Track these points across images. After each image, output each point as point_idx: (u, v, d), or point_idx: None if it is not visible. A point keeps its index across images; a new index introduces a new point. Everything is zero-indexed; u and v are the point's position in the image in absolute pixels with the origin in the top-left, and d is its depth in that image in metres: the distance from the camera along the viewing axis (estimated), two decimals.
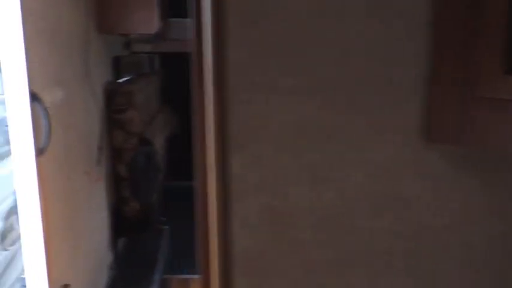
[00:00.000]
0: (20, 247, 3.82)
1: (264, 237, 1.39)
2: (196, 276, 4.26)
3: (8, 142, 3.78)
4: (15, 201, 3.78)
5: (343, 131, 1.36)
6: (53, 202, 2.58)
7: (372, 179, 1.37)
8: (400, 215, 1.38)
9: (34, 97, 2.38)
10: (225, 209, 1.36)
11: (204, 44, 1.33)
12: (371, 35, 1.31)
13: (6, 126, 2.39)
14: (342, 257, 1.40)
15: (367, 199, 1.36)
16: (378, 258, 1.40)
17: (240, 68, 1.33)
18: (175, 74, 5.65)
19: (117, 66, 4.02)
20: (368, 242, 1.39)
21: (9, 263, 3.63)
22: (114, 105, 3.74)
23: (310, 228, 1.38)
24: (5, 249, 3.63)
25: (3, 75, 2.33)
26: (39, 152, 2.46)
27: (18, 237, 3.83)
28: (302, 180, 1.36)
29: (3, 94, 3.79)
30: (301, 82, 1.33)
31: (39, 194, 2.45)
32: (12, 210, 3.76)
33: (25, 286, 2.63)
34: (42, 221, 2.48)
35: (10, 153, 3.74)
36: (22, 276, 2.80)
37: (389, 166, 1.36)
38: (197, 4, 1.36)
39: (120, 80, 4.10)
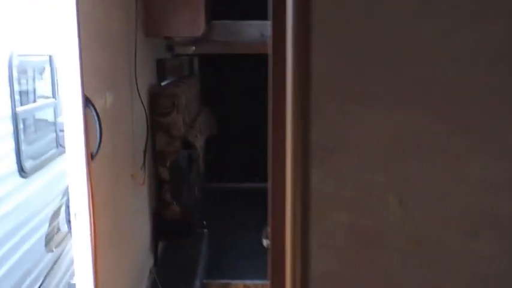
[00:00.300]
0: (64, 249, 3.85)
1: (346, 260, 1.30)
2: (237, 281, 4.22)
3: (53, 145, 3.81)
4: (59, 204, 3.81)
5: (437, 144, 1.26)
6: (102, 207, 2.57)
7: (469, 198, 1.26)
8: (500, 238, 1.29)
9: (88, 102, 2.37)
10: (303, 227, 1.28)
11: (287, 48, 1.27)
12: (477, 39, 1.21)
13: (62, 131, 2.38)
14: (433, 284, 1.30)
15: (462, 219, 1.27)
16: (474, 286, 1.30)
17: (324, 75, 1.25)
18: (213, 75, 5.65)
19: (161, 68, 4.01)
20: (463, 268, 1.29)
21: (54, 264, 3.66)
22: (158, 108, 3.73)
23: (398, 251, 1.29)
24: (50, 251, 3.66)
25: (60, 79, 2.33)
26: (92, 156, 2.44)
27: (63, 239, 3.86)
28: (390, 198, 1.28)
29: (53, 97, 3.81)
30: (391, 92, 1.24)
31: (90, 199, 2.44)
32: (57, 213, 3.79)
33: None
34: (92, 226, 2.47)
35: (55, 157, 3.77)
36: (72, 282, 2.79)
37: (488, 183, 1.26)
38: (278, 3, 1.30)
39: (163, 83, 4.09)
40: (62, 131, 2.41)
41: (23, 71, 3.30)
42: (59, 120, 2.51)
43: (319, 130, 1.25)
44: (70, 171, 2.40)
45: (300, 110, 1.25)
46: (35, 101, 3.51)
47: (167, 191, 3.99)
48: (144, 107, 3.51)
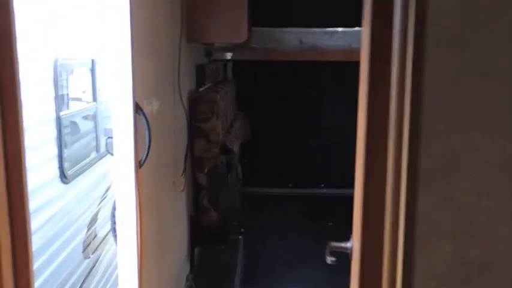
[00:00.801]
0: (100, 255, 3.83)
1: None
2: None
3: (93, 150, 3.80)
4: (97, 209, 3.79)
5: None
6: (147, 214, 2.54)
7: None
8: None
9: (138, 108, 2.34)
10: (407, 255, 1.21)
11: (391, 68, 1.21)
12: None
13: (110, 137, 2.35)
14: None
15: None
16: None
17: (436, 98, 1.17)
18: (248, 80, 5.62)
19: (200, 74, 3.98)
20: None
21: (90, 271, 3.63)
22: (197, 113, 3.70)
23: (508, 284, 1.21)
24: (88, 257, 3.64)
25: (110, 85, 2.30)
26: (140, 164, 2.41)
27: (99, 245, 3.83)
28: (502, 227, 1.20)
29: (93, 101, 3.80)
30: (506, 117, 1.17)
31: (137, 207, 2.41)
32: (94, 219, 3.77)
33: None
34: (139, 234, 2.43)
35: (95, 162, 3.75)
36: None
37: None
38: (382, 16, 1.24)
39: (201, 88, 4.05)
40: (110, 137, 2.38)
41: (66, 75, 3.29)
42: (107, 126, 2.48)
43: (429, 154, 1.18)
44: (118, 179, 2.37)
45: (408, 133, 1.18)
46: (70, 105, 3.49)
47: (205, 196, 3.95)
48: (185, 113, 3.48)
